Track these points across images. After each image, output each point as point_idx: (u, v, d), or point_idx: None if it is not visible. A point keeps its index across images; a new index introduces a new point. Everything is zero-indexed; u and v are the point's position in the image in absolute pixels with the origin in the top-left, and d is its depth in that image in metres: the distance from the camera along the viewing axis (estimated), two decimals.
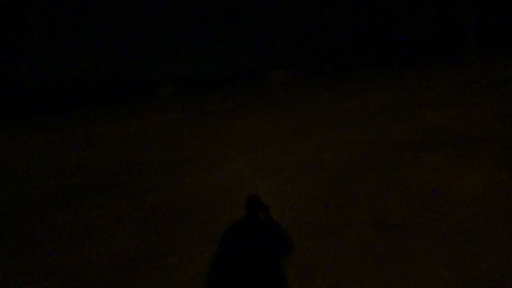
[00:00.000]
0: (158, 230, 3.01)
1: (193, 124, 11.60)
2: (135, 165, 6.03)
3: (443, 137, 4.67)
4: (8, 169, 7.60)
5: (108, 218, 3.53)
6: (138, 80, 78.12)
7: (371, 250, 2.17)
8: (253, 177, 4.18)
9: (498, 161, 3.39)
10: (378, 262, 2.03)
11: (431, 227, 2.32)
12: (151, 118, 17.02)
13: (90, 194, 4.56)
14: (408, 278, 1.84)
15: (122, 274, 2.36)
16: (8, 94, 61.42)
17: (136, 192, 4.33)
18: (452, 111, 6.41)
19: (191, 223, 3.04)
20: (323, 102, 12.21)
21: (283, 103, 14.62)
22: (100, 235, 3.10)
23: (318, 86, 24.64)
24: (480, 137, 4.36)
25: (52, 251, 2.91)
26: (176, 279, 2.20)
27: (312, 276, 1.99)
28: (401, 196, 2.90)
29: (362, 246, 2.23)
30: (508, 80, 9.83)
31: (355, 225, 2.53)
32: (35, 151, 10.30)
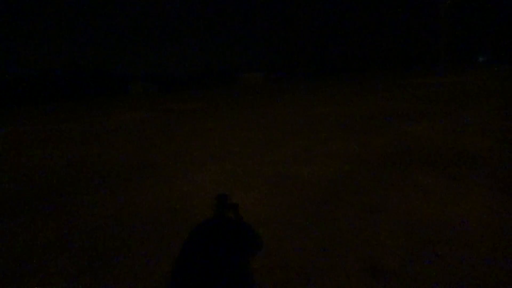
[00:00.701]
0: (92, 267, 2.22)
1: (160, 124, 10.62)
2: (85, 171, 5.07)
3: (427, 150, 4.36)
4: None
5: (33, 244, 2.64)
6: (108, 75, 73.43)
7: None
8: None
9: (492, 183, 3.07)
10: None
11: (432, 276, 1.83)
12: (117, 116, 15.60)
13: (19, 208, 3.58)
14: None
15: None
16: None
17: (78, 207, 3.45)
18: (430, 123, 6.27)
19: (136, 257, 2.30)
20: (299, 107, 11.83)
21: (256, 106, 14.06)
22: (18, 272, 2.22)
23: (294, 90, 24.49)
24: (466, 150, 4.09)
25: None
26: None
27: None
28: (394, 228, 2.40)
29: None
30: (474, 91, 10.15)
31: (340, 268, 1.98)
32: None
